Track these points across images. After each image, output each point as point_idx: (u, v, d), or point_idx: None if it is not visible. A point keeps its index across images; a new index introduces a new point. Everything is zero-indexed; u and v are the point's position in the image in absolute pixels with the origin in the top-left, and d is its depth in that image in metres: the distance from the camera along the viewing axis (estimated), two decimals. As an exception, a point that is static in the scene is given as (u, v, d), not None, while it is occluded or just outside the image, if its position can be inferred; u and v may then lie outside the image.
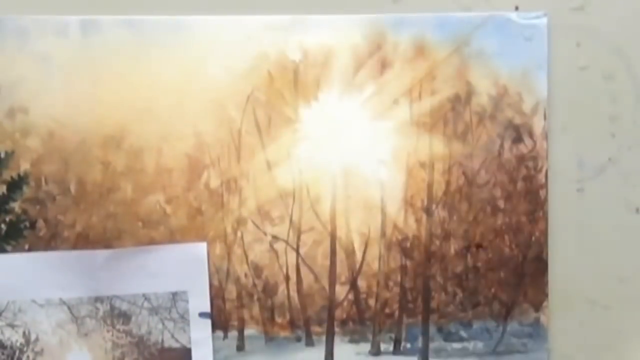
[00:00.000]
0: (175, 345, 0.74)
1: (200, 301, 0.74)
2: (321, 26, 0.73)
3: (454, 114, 0.75)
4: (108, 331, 0.73)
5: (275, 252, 0.75)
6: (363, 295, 0.76)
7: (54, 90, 0.71)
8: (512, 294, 0.77)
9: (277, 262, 0.75)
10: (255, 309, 0.75)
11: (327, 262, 0.76)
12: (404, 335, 0.77)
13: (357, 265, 0.76)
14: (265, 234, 0.75)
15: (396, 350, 0.77)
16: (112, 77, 0.72)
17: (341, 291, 0.76)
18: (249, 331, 0.75)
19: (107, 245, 0.72)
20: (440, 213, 0.76)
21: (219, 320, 0.75)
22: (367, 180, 0.75)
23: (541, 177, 0.76)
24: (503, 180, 0.76)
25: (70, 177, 0.72)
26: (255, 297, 0.75)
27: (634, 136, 0.77)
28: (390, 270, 0.76)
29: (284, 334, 0.76)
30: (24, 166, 0.71)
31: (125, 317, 0.73)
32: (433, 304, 0.77)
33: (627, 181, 0.78)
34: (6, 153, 0.71)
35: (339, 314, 0.76)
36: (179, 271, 0.73)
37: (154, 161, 0.73)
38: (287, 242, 0.75)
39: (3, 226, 0.71)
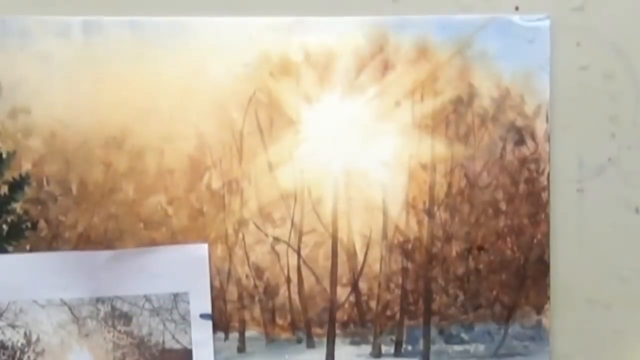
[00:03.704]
0: (176, 346, 0.73)
1: (201, 302, 0.73)
2: (323, 27, 0.73)
3: (456, 116, 0.75)
4: (109, 332, 0.73)
5: (277, 253, 0.75)
6: (364, 297, 0.76)
7: (56, 90, 0.71)
8: (513, 296, 0.77)
9: (279, 264, 0.75)
10: (256, 311, 0.75)
11: (329, 264, 0.76)
12: (405, 337, 0.77)
13: (359, 267, 0.76)
14: (266, 235, 0.75)
15: (397, 353, 0.77)
16: (114, 77, 0.72)
17: (342, 293, 0.76)
18: (250, 332, 0.75)
19: (109, 246, 0.72)
20: (441, 215, 0.76)
21: (220, 321, 0.74)
22: (368, 181, 0.75)
23: (543, 180, 0.76)
24: (505, 183, 0.76)
25: (72, 177, 0.72)
26: (257, 298, 0.75)
27: (634, 136, 0.77)
28: (392, 272, 0.76)
29: (284, 335, 0.76)
30: (26, 166, 0.71)
31: (126, 318, 0.73)
32: (434, 306, 0.77)
33: (627, 181, 0.78)
34: (8, 153, 0.71)
35: (340, 315, 0.76)
36: (180, 272, 0.73)
37: (155, 162, 0.73)
38: (288, 243, 0.75)
39: (4, 226, 0.71)
